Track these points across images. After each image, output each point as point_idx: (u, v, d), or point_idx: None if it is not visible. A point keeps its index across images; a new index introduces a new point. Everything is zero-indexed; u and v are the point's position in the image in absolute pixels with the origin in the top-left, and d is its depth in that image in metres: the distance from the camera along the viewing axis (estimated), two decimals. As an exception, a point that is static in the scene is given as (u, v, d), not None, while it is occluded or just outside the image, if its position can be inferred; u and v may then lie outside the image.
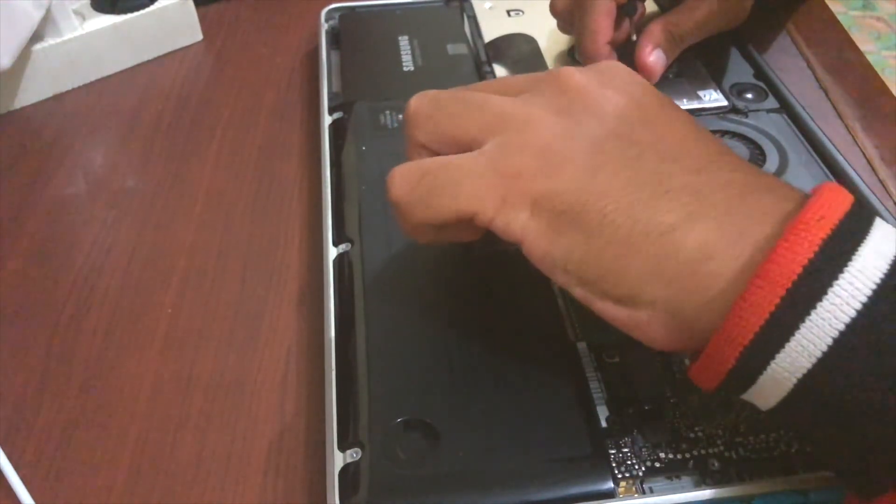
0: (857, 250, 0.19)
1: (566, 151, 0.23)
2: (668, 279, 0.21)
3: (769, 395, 0.21)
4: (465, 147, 0.25)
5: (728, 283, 0.21)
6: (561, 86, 0.25)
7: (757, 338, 0.20)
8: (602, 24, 0.37)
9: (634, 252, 0.22)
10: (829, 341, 0.19)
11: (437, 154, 0.26)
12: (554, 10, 0.41)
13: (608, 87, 0.25)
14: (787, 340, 0.20)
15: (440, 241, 0.28)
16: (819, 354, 0.19)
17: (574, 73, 0.25)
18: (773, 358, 0.20)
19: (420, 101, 0.26)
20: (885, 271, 0.19)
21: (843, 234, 0.20)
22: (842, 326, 0.19)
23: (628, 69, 0.26)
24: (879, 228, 0.20)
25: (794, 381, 0.20)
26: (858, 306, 0.19)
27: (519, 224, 0.23)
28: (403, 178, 0.25)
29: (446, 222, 0.25)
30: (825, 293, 0.19)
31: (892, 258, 0.20)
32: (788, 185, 0.23)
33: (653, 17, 0.39)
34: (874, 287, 0.19)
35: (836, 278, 0.19)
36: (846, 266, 0.19)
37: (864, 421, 0.19)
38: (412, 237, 0.27)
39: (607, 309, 0.23)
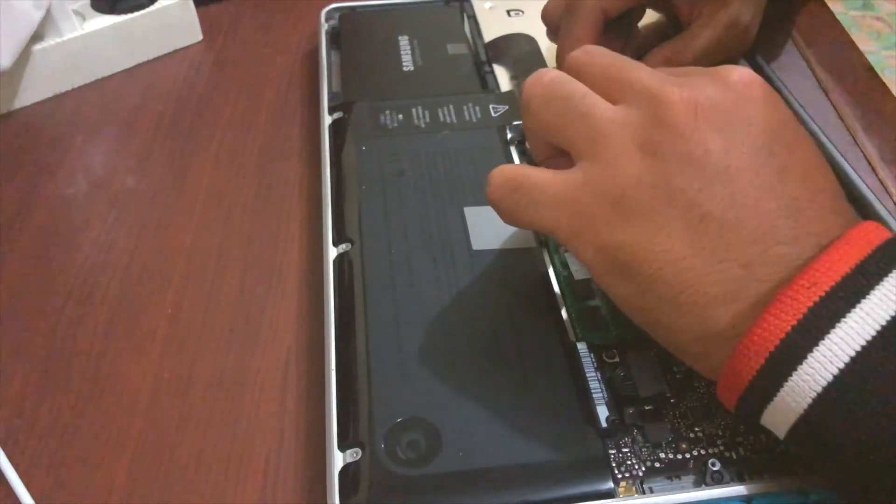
0: (841, 319, 0.20)
1: (638, 202, 0.24)
2: (706, 343, 0.23)
3: (776, 431, 0.22)
4: (563, 147, 0.26)
5: None
6: (658, 113, 0.24)
7: (746, 395, 0.22)
8: (587, 32, 0.37)
9: (681, 315, 0.23)
10: (805, 405, 0.21)
11: (544, 138, 0.27)
12: (545, 17, 0.40)
13: (710, 118, 0.24)
14: (771, 400, 0.21)
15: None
16: (801, 412, 0.21)
17: (676, 99, 0.24)
18: (763, 409, 0.22)
19: (534, 90, 0.27)
20: (869, 337, 0.20)
21: (831, 300, 0.20)
22: (817, 392, 0.20)
23: (752, 83, 0.24)
24: (885, 286, 0.20)
25: (785, 430, 0.22)
26: (831, 377, 0.20)
27: (586, 259, 0.25)
28: (499, 186, 0.27)
29: (531, 230, 0.30)
30: (800, 363, 0.20)
31: (885, 322, 0.20)
32: (839, 238, 0.22)
33: (655, 41, 0.39)
34: (851, 356, 0.20)
35: (811, 350, 0.20)
36: (825, 336, 0.20)
37: (845, 464, 0.21)
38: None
39: (661, 343, 0.25)
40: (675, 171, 0.23)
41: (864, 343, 0.20)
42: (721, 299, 0.22)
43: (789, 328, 0.21)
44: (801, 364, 0.20)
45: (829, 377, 0.20)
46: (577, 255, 0.25)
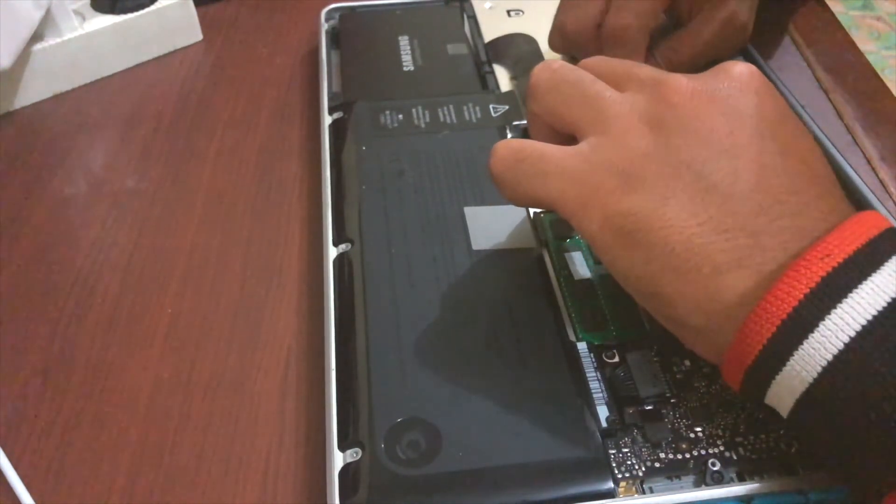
0: (853, 290, 0.21)
1: (645, 173, 0.24)
2: (709, 314, 0.23)
3: (780, 407, 0.23)
4: (569, 129, 0.27)
5: None
6: (664, 94, 0.25)
7: (754, 365, 0.22)
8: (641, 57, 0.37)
9: (685, 283, 0.23)
10: (815, 375, 0.21)
11: (548, 123, 0.28)
12: (566, 33, 0.39)
13: (714, 102, 0.24)
14: (780, 370, 0.21)
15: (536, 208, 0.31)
16: (809, 381, 0.21)
17: (682, 84, 0.25)
18: (771, 381, 0.22)
19: (542, 75, 0.27)
20: (880, 308, 0.20)
21: (843, 271, 0.21)
22: (827, 360, 0.21)
23: (753, 76, 0.25)
24: (894, 262, 0.21)
25: (791, 403, 0.22)
26: (841, 345, 0.20)
27: (590, 231, 0.25)
28: (503, 158, 0.27)
29: (533, 205, 0.28)
30: (811, 331, 0.21)
31: (895, 295, 0.20)
32: (849, 218, 0.22)
33: (658, 39, 0.39)
34: (863, 324, 0.20)
35: (822, 319, 0.21)
36: (837, 305, 0.21)
37: (851, 437, 0.21)
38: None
39: (661, 320, 0.25)
40: (681, 146, 0.24)
41: (874, 313, 0.20)
42: (726, 267, 0.23)
43: (802, 296, 0.21)
44: (812, 332, 0.21)
45: (840, 345, 0.20)
46: (581, 229, 0.25)
